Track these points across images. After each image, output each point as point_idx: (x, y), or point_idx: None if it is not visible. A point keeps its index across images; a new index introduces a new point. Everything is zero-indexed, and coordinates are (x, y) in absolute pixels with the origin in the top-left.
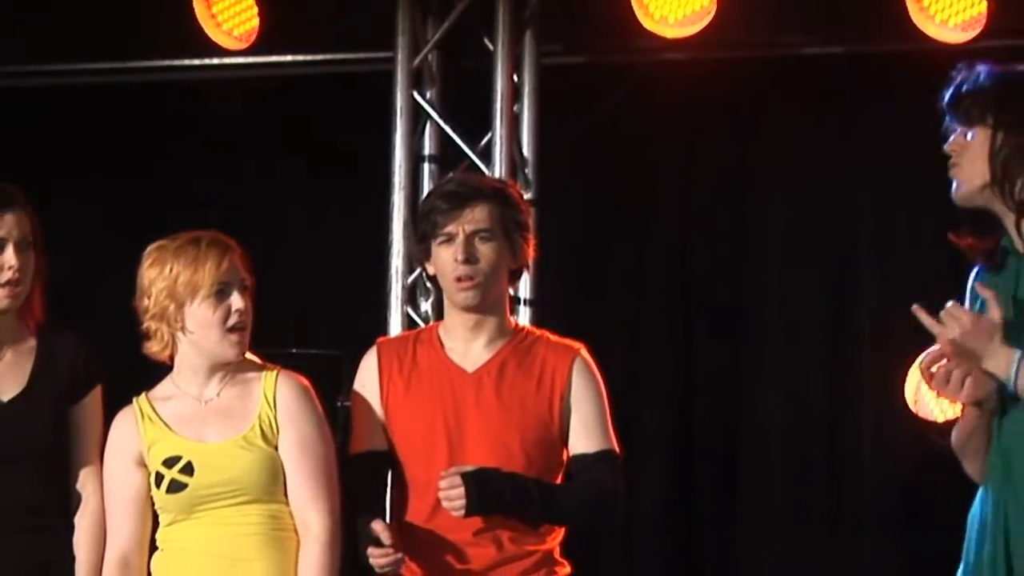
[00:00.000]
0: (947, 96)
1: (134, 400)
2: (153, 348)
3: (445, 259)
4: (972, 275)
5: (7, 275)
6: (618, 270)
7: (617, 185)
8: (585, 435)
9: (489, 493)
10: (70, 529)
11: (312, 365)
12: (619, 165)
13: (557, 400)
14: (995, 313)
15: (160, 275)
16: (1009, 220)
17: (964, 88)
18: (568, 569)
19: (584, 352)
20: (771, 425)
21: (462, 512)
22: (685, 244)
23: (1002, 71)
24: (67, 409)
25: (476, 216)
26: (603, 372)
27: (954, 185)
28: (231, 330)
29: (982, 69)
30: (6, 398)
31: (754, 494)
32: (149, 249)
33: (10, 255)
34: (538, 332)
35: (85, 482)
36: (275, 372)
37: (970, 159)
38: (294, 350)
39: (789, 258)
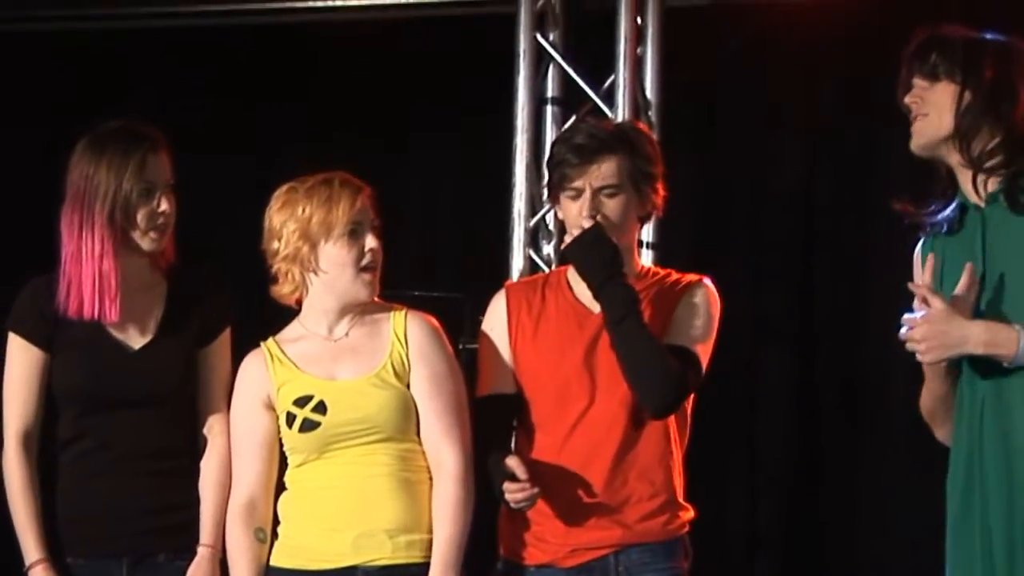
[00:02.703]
0: (914, 50)
1: (262, 344)
2: (283, 291)
3: (572, 213)
4: (919, 244)
5: (160, 219)
6: (740, 211)
7: (740, 127)
8: (676, 333)
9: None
10: (196, 473)
11: (434, 307)
12: (742, 107)
13: (670, 318)
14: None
15: (292, 216)
16: (965, 176)
17: (933, 44)
18: (692, 514)
19: (707, 281)
20: (893, 365)
21: None
22: (807, 185)
23: (971, 35)
24: (196, 353)
25: (603, 172)
26: (725, 312)
27: (916, 134)
28: (364, 269)
29: (950, 30)
30: (136, 346)
31: (875, 434)
32: (278, 192)
33: (162, 200)
34: (664, 271)
35: (212, 425)
36: (403, 311)
37: (937, 112)
38: (416, 292)
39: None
